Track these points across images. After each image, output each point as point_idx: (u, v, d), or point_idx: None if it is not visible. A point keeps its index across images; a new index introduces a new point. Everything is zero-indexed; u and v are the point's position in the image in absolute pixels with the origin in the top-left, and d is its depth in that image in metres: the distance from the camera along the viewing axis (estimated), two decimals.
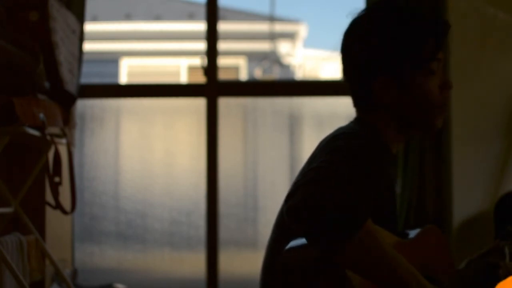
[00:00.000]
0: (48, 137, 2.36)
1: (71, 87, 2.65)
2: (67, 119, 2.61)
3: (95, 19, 7.09)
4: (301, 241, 1.27)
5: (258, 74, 8.35)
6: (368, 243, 1.22)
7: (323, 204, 1.18)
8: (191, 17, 8.48)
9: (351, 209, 1.19)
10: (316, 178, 1.22)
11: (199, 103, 3.40)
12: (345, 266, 1.23)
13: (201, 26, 3.58)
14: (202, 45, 3.43)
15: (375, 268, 1.24)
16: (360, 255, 1.22)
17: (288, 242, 1.30)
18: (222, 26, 3.43)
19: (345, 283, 1.24)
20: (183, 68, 8.14)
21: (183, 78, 8.05)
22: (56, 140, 2.45)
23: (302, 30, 8.96)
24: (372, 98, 1.51)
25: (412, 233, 1.45)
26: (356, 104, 1.58)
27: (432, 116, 1.52)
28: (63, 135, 2.51)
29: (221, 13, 3.42)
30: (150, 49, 8.23)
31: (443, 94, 1.52)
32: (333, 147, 1.39)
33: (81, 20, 3.09)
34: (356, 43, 1.53)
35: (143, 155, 3.60)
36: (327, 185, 1.20)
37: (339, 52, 1.57)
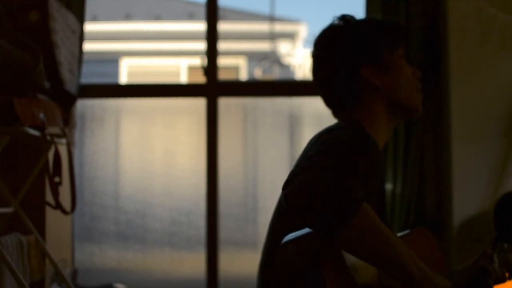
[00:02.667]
0: (48, 137, 2.36)
1: (71, 87, 2.65)
2: (67, 119, 2.61)
3: (95, 19, 7.09)
4: (298, 233, 1.28)
5: (258, 74, 8.35)
6: (366, 225, 1.24)
7: (319, 187, 1.21)
8: (191, 17, 8.47)
9: (347, 191, 1.22)
10: (311, 164, 1.26)
11: (199, 103, 3.40)
12: (345, 249, 1.24)
13: (201, 26, 3.58)
14: (202, 45, 3.43)
15: (374, 248, 1.25)
16: (359, 237, 1.23)
17: (285, 235, 1.31)
18: (222, 26, 3.44)
19: (343, 272, 1.24)
20: (183, 68, 8.13)
21: (183, 78, 8.04)
22: (56, 140, 2.45)
23: (302, 30, 8.96)
24: (361, 85, 1.63)
25: (399, 235, 1.46)
26: (339, 105, 1.69)
27: (414, 96, 1.67)
28: (63, 135, 2.50)
29: (221, 13, 3.42)
30: (150, 49, 8.23)
31: (416, 79, 1.69)
32: (326, 138, 1.43)
33: (81, 20, 3.09)
34: (337, 43, 1.67)
35: (143, 155, 3.60)
36: (323, 170, 1.24)
37: (314, 57, 1.71)
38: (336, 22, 1.70)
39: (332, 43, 1.67)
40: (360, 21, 1.71)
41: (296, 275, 1.28)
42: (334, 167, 1.25)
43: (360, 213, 1.22)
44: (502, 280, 1.60)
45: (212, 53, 3.37)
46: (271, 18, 8.13)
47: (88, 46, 3.25)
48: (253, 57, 8.47)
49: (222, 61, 3.43)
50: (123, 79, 8.22)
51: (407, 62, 1.70)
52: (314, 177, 1.22)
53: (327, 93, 1.70)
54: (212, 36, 3.37)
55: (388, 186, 3.10)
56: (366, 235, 1.24)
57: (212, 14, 3.38)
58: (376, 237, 1.24)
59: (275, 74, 8.32)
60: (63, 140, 2.55)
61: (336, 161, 1.27)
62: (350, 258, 1.27)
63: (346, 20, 1.70)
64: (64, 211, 2.48)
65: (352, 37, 1.66)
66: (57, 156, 2.43)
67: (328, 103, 1.72)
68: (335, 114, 1.73)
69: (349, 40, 1.66)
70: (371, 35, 1.66)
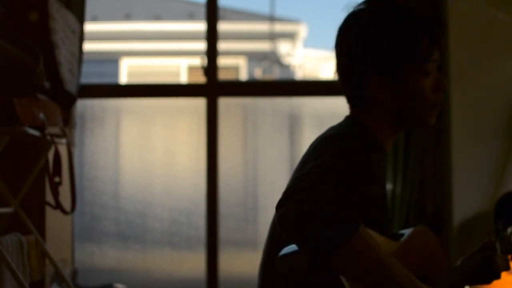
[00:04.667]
0: (48, 137, 2.36)
1: (71, 87, 2.65)
2: (67, 119, 2.61)
3: (95, 19, 7.08)
4: (294, 247, 1.26)
5: (258, 74, 8.34)
6: (361, 249, 1.21)
7: (313, 212, 1.17)
8: (191, 17, 8.47)
9: (342, 216, 1.18)
10: (305, 186, 1.21)
11: (199, 103, 3.40)
12: (339, 273, 1.23)
13: (201, 26, 3.58)
14: (202, 45, 3.43)
15: (370, 274, 1.24)
16: (353, 262, 1.21)
17: (283, 247, 1.29)
18: (222, 26, 3.43)
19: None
20: (183, 68, 8.13)
21: (183, 78, 8.04)
22: (56, 140, 2.45)
23: (302, 30, 8.95)
24: (366, 96, 1.51)
25: (406, 233, 1.45)
26: (348, 100, 1.57)
27: (425, 114, 1.52)
28: (63, 135, 2.50)
29: (221, 13, 3.42)
30: (150, 49, 8.22)
31: (436, 95, 1.52)
32: (324, 150, 1.38)
33: (81, 20, 3.09)
34: (351, 41, 1.52)
35: (143, 155, 3.60)
36: (317, 192, 1.20)
37: (334, 48, 1.56)
38: (374, 4, 1.52)
39: (348, 39, 1.53)
40: (388, 17, 1.49)
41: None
42: (328, 189, 1.20)
43: (355, 238, 1.19)
44: (506, 268, 1.60)
45: (212, 53, 3.37)
46: (271, 18, 8.12)
47: (88, 46, 3.24)
48: (253, 57, 8.47)
49: (222, 61, 3.43)
50: (123, 79, 8.21)
51: (437, 67, 1.52)
52: (307, 202, 1.18)
53: (338, 77, 1.56)
54: (212, 36, 3.37)
55: (388, 186, 3.10)
56: (361, 259, 1.21)
57: (212, 14, 3.38)
58: (371, 261, 1.22)
59: (275, 74, 8.32)
60: (63, 140, 2.55)
61: (331, 180, 1.23)
62: None
63: (374, 11, 1.51)
64: (64, 211, 2.48)
65: (367, 41, 1.49)
66: (57, 156, 2.43)
67: (342, 89, 1.58)
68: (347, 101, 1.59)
69: (364, 43, 1.49)
70: (392, 44, 1.48)
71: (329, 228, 1.17)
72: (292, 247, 1.27)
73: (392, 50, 1.48)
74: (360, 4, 1.55)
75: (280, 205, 1.22)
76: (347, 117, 1.57)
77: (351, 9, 1.55)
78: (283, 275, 1.27)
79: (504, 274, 1.60)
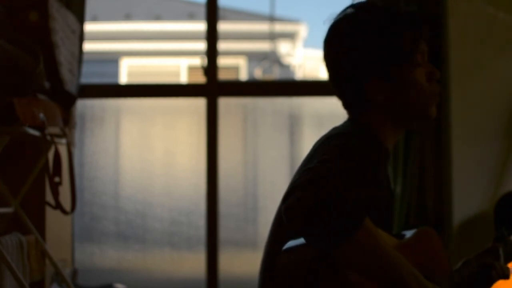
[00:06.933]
0: (48, 137, 2.37)
1: (71, 87, 2.65)
2: (67, 119, 2.61)
3: (95, 19, 7.08)
4: (299, 241, 1.27)
5: (258, 74, 8.34)
6: (367, 242, 1.23)
7: (321, 203, 1.19)
8: (191, 17, 8.47)
9: (349, 208, 1.20)
10: (313, 178, 1.23)
11: (199, 103, 3.40)
12: (345, 264, 1.24)
13: (201, 26, 3.58)
14: (202, 45, 3.43)
15: (375, 267, 1.25)
16: (359, 254, 1.23)
17: (286, 242, 1.30)
18: (222, 26, 3.44)
19: (343, 282, 1.24)
20: (183, 68, 8.13)
21: (183, 78, 8.04)
22: (56, 140, 2.45)
23: (302, 30, 8.95)
24: (365, 99, 1.52)
25: (408, 234, 1.46)
26: (346, 106, 1.58)
27: (425, 106, 1.53)
28: (63, 135, 2.51)
29: (221, 13, 3.42)
30: (150, 49, 8.22)
31: (432, 84, 1.54)
32: (329, 147, 1.40)
33: (81, 20, 3.09)
34: (339, 50, 1.54)
35: (143, 155, 3.60)
36: (324, 184, 1.21)
37: (323, 60, 1.58)
38: (352, 11, 1.54)
39: (336, 48, 1.54)
40: (369, 20, 1.52)
41: (295, 283, 1.27)
42: (335, 182, 1.22)
43: (361, 230, 1.21)
44: (506, 276, 1.60)
45: (212, 53, 3.37)
46: (271, 18, 8.12)
47: (88, 46, 3.24)
48: (253, 57, 8.47)
49: (222, 61, 3.43)
50: (123, 79, 8.21)
51: (427, 59, 1.53)
52: (314, 193, 1.20)
53: (333, 86, 1.58)
54: (212, 36, 3.37)
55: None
56: (367, 252, 1.23)
57: (212, 14, 3.38)
58: (376, 254, 1.24)
59: (275, 74, 8.32)
60: (63, 140, 2.55)
61: (337, 175, 1.24)
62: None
63: (360, 14, 1.53)
64: (64, 211, 2.48)
65: (354, 47, 1.50)
66: (57, 156, 2.44)
67: (337, 96, 1.59)
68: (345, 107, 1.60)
69: (351, 50, 1.51)
70: (377, 45, 1.49)
71: (336, 219, 1.19)
72: (296, 242, 1.28)
73: (377, 51, 1.50)
74: (339, 14, 1.56)
75: (287, 197, 1.24)
76: (349, 119, 1.58)
77: (332, 20, 1.56)
78: (286, 268, 1.28)
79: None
